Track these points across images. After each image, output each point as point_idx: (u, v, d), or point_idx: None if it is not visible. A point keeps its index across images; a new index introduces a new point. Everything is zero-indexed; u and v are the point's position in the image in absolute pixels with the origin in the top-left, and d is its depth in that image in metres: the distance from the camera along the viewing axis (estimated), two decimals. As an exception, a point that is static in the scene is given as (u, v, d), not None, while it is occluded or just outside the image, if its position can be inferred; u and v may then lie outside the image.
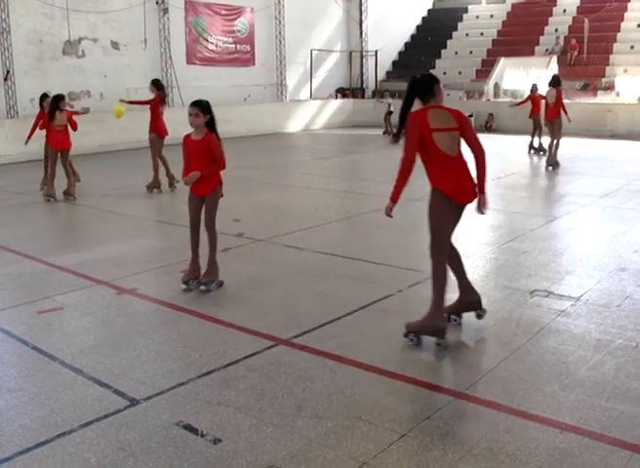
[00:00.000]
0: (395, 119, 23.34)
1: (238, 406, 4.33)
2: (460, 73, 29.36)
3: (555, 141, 15.19)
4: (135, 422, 4.18)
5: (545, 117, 15.71)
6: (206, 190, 6.83)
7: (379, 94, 27.79)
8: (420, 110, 5.28)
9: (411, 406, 4.32)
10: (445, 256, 5.36)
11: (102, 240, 9.42)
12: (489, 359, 5.02)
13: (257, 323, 5.79)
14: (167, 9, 23.38)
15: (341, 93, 30.87)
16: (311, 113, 28.28)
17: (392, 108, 24.78)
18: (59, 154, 12.26)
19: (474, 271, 7.32)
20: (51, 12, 20.63)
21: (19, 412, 4.37)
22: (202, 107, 6.82)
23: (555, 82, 15.48)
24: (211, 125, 6.90)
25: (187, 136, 6.96)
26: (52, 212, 11.84)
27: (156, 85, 13.51)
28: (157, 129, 13.27)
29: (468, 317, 5.91)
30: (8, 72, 19.68)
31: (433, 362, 5.02)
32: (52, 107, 12.07)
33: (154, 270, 7.65)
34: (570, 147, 17.42)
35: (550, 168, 15.15)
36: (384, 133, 24.85)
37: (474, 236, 8.98)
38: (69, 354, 5.28)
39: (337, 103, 29.63)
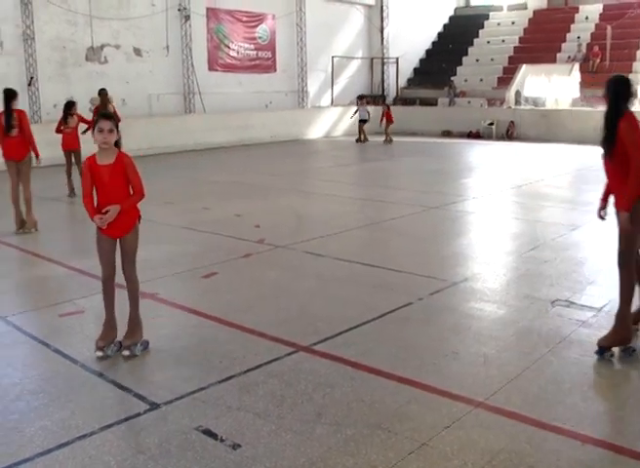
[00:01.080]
0: (372, 127, 22.68)
1: (258, 411, 4.34)
2: (481, 80, 29.33)
3: None
4: (154, 426, 4.21)
5: None
6: (123, 230, 5.32)
7: (359, 101, 26.21)
8: (632, 114, 5.05)
9: (431, 414, 4.30)
10: (634, 267, 5.24)
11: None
12: (509, 369, 4.97)
13: (277, 329, 5.79)
14: (189, 16, 23.53)
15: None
16: (332, 120, 28.29)
17: (369, 116, 24.84)
18: (72, 155, 13.38)
19: (495, 280, 7.30)
20: (74, 19, 20.85)
21: (39, 414, 4.41)
22: (115, 121, 5.25)
23: None
24: (118, 144, 5.30)
25: (91, 161, 5.20)
26: (73, 216, 11.94)
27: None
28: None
29: (488, 326, 5.89)
30: (32, 78, 19.90)
31: (454, 370, 4.99)
32: (65, 112, 13.43)
33: (175, 275, 7.68)
34: (591, 156, 17.31)
35: None
36: (357, 140, 24.84)
37: (495, 244, 8.95)
38: (90, 357, 5.32)
39: (357, 110, 29.63)
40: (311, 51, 27.91)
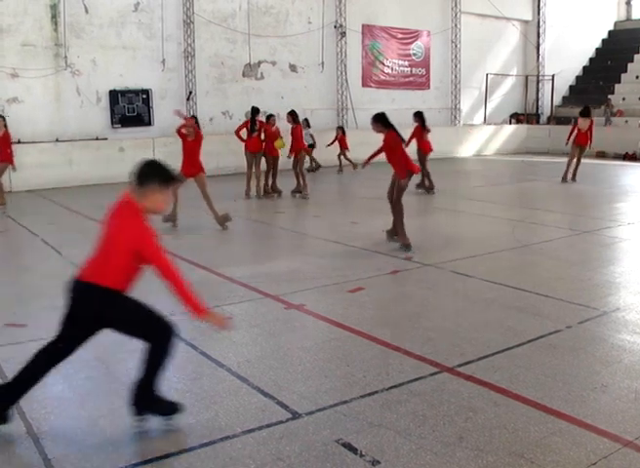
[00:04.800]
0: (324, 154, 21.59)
1: (399, 429, 4.30)
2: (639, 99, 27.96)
3: None
4: (295, 435, 4.26)
5: None
6: None
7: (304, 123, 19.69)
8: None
9: (576, 448, 4.10)
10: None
11: (273, 255, 9.73)
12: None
13: (422, 348, 5.74)
14: (344, 33, 23.92)
15: (516, 118, 30.21)
16: (484, 138, 27.87)
17: (313, 140, 20.75)
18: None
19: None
20: (233, 37, 21.74)
21: (185, 412, 4.55)
22: None
23: None
24: None
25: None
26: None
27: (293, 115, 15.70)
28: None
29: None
30: (190, 93, 20.89)
31: (602, 404, 4.75)
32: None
33: (322, 288, 7.76)
34: None
35: None
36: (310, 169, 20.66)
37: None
38: (236, 362, 5.48)
39: (510, 129, 29.03)
40: (465, 68, 27.65)
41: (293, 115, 15.49)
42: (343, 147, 21.51)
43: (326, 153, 21.40)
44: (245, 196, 15.13)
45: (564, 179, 17.93)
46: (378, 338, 6.00)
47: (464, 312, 6.86)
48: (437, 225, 11.72)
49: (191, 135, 11.58)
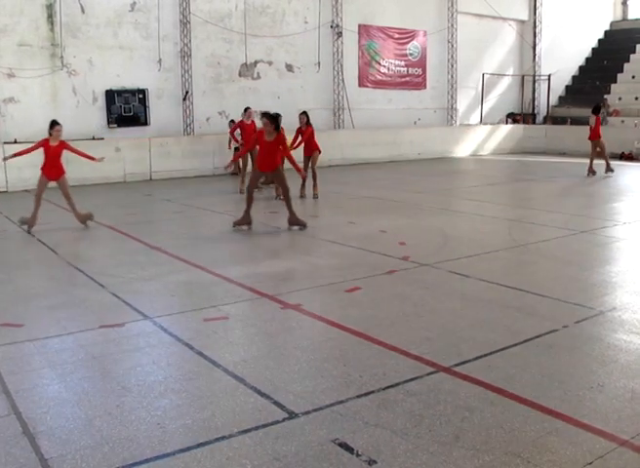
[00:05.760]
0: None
1: (395, 429, 4.30)
2: (636, 99, 27.97)
3: None
4: (292, 435, 4.25)
5: None
6: None
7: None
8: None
9: (572, 448, 4.10)
10: None
11: (270, 255, 9.72)
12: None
13: (418, 348, 5.73)
14: (341, 33, 23.95)
15: (512, 118, 30.24)
16: (480, 138, 27.89)
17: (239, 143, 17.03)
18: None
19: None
20: (230, 37, 21.76)
21: (181, 412, 4.57)
22: None
23: None
24: None
25: None
26: (221, 225, 12.33)
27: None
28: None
29: (637, 360, 5.59)
30: (187, 93, 20.89)
31: (598, 404, 4.75)
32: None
33: (319, 288, 7.76)
34: None
35: None
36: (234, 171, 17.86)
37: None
38: (232, 362, 5.46)
39: (506, 129, 29.05)
40: (461, 67, 27.68)
41: (307, 116, 15.50)
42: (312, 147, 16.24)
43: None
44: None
45: (590, 173, 19.54)
46: (374, 338, 5.99)
47: (461, 312, 6.85)
48: (433, 225, 11.71)
49: (54, 140, 11.95)
